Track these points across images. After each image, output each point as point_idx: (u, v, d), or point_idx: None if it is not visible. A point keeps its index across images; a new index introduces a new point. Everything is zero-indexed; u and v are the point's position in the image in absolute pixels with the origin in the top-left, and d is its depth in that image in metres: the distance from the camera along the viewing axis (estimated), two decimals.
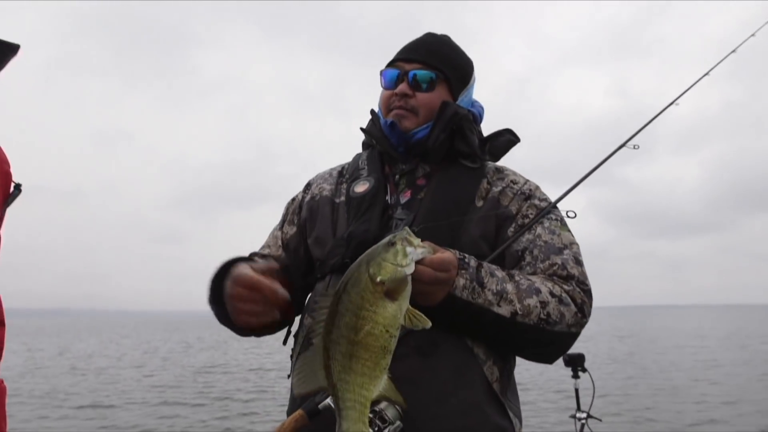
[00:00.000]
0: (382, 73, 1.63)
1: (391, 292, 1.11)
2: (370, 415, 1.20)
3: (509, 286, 1.34)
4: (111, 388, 15.33)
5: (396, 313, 1.12)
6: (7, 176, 1.20)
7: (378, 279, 1.10)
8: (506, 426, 1.39)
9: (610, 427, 8.70)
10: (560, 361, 4.31)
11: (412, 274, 1.15)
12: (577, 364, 4.17)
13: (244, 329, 1.42)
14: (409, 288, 1.14)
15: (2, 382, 1.34)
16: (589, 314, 1.42)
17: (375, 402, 1.16)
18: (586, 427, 4.06)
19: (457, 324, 1.33)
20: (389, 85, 1.59)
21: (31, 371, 19.89)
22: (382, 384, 1.13)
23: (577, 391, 4.23)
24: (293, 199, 1.74)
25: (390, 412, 1.22)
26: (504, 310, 1.32)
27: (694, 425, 9.50)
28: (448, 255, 1.27)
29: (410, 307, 1.14)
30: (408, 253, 1.14)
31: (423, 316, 1.13)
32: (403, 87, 1.56)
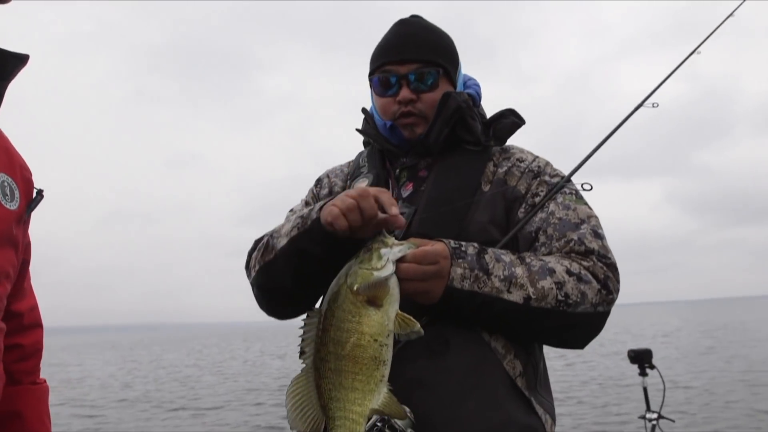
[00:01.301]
0: (372, 80, 1.51)
1: (374, 299, 1.06)
2: (378, 424, 1.14)
3: (519, 270, 1.24)
4: (201, 392, 16.25)
5: (382, 320, 1.06)
6: (29, 183, 1.24)
7: (355, 288, 1.06)
8: (534, 423, 1.29)
9: (685, 428, 8.21)
10: (625, 357, 4.20)
11: (397, 273, 1.10)
12: (644, 360, 3.98)
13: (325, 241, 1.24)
14: (394, 291, 1.09)
15: (45, 382, 1.41)
16: (617, 290, 1.31)
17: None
18: (657, 429, 3.84)
19: (467, 317, 1.25)
20: (387, 92, 1.47)
21: (129, 381, 21.28)
22: (379, 398, 1.07)
23: (645, 389, 4.01)
24: (307, 194, 1.65)
25: (400, 421, 1.14)
26: (515, 297, 1.22)
27: None
28: (436, 246, 1.20)
29: (400, 311, 1.08)
30: (382, 255, 1.08)
31: (412, 319, 1.07)
32: (405, 93, 1.44)
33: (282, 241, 1.35)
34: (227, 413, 12.54)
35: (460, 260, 1.21)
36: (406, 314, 1.08)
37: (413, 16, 1.56)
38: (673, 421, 4.00)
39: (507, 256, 1.27)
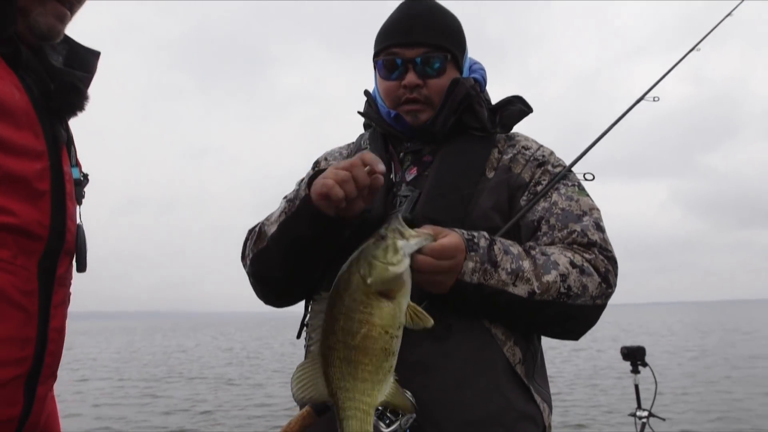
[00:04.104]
0: (377, 62, 1.47)
1: (387, 291, 1.03)
2: (380, 407, 1.12)
3: (525, 264, 1.23)
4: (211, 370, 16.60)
5: (394, 312, 1.03)
6: None
7: (369, 281, 1.02)
8: (532, 411, 1.29)
9: (676, 427, 8.24)
10: (618, 354, 4.18)
11: (412, 265, 1.06)
12: (636, 357, 3.96)
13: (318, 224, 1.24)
14: (407, 283, 1.05)
15: None
16: (615, 284, 1.31)
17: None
18: (647, 427, 3.82)
19: (470, 306, 1.24)
20: (392, 75, 1.43)
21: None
22: (387, 388, 1.05)
23: (637, 387, 3.99)
24: (302, 179, 1.58)
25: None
26: (520, 290, 1.21)
27: None
28: (452, 240, 1.16)
29: (412, 303, 1.05)
30: (399, 248, 1.04)
31: (425, 314, 1.05)
32: (411, 78, 1.40)
33: (272, 228, 1.35)
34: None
35: (473, 253, 1.20)
36: (418, 307, 1.06)
37: None
38: (664, 419, 3.97)
39: (514, 248, 1.26)
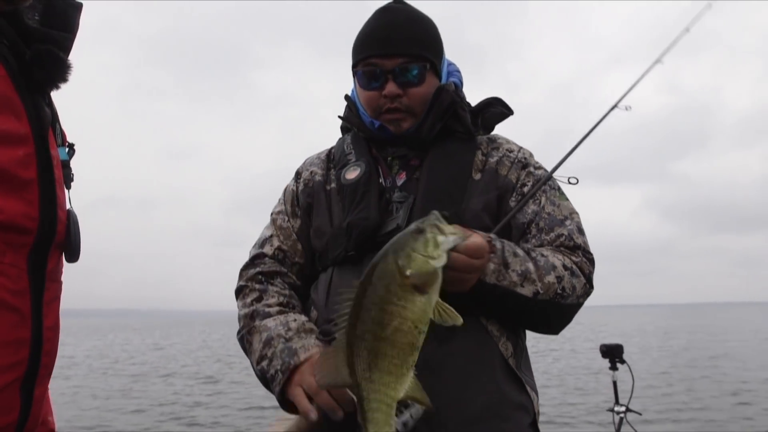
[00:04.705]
0: (356, 73, 1.49)
1: (422, 285, 1.02)
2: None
3: (530, 265, 1.29)
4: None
5: (425, 307, 1.02)
6: None
7: (408, 273, 1.01)
8: (525, 402, 1.36)
9: (651, 421, 8.57)
10: (597, 352, 4.34)
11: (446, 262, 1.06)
12: (614, 355, 4.06)
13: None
14: (439, 280, 1.04)
15: None
16: (593, 284, 1.40)
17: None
18: (624, 421, 3.95)
19: (478, 305, 1.28)
20: (372, 86, 1.45)
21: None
22: (408, 383, 1.04)
23: (615, 383, 4.08)
24: (285, 190, 1.61)
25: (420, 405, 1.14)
26: (527, 291, 1.28)
27: (744, 420, 9.28)
28: (480, 240, 1.21)
29: (440, 300, 1.05)
30: (440, 243, 1.04)
31: (454, 311, 1.04)
32: (391, 88, 1.42)
33: (252, 362, 1.40)
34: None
35: (493, 255, 1.25)
36: (446, 305, 1.05)
37: (397, 1, 1.51)
38: (640, 414, 4.10)
39: (519, 250, 1.31)
